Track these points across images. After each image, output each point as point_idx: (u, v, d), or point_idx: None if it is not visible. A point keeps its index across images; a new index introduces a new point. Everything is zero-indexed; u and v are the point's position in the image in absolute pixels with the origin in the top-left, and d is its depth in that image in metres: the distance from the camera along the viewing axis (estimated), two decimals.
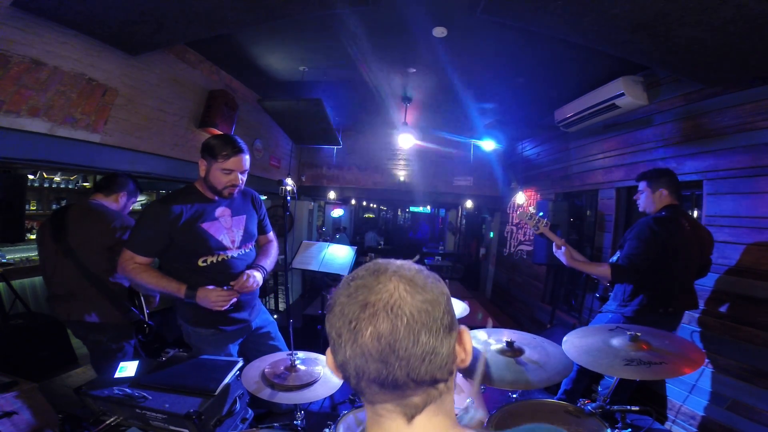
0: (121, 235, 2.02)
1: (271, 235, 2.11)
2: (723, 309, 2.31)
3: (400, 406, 0.54)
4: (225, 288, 1.70)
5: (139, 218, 1.75)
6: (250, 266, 1.86)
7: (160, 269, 1.74)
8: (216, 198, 1.78)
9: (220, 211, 1.79)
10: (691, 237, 2.08)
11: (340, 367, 0.55)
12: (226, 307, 1.68)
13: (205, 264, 1.72)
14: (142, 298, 2.17)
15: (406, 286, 0.53)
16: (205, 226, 1.72)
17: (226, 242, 1.78)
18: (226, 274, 1.76)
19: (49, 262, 2.09)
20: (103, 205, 2.14)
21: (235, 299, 1.72)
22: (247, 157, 1.75)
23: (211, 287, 1.66)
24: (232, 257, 1.80)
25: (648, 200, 2.22)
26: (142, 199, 5.48)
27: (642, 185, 2.24)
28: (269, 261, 1.96)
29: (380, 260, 0.59)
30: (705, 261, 2.20)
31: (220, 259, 1.76)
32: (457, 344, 0.56)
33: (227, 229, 1.79)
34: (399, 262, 0.59)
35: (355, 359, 0.52)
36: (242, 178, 1.76)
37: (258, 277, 1.81)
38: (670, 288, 2.08)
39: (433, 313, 0.52)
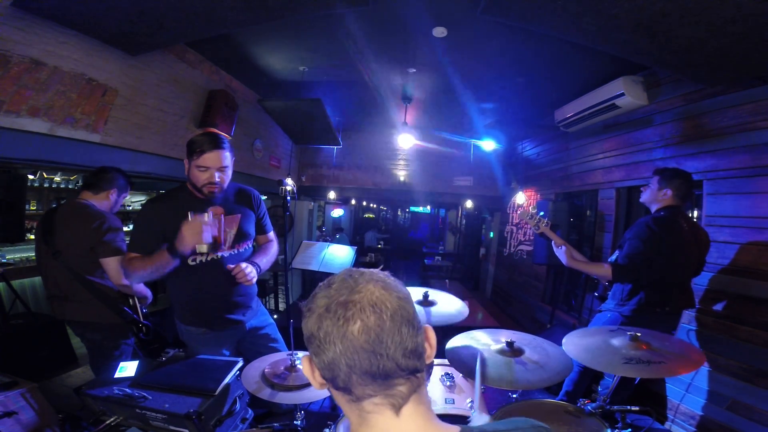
0: (102, 236, 1.96)
1: (272, 234, 2.06)
2: (723, 309, 2.31)
3: (388, 398, 0.57)
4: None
5: (135, 218, 1.74)
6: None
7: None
8: (207, 197, 1.73)
9: (211, 209, 1.74)
10: (689, 237, 2.08)
11: (328, 367, 0.57)
12: (205, 240, 1.54)
13: (195, 263, 1.70)
14: (135, 298, 2.16)
15: (382, 288, 0.58)
16: None
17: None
18: (217, 273, 1.72)
19: (42, 262, 2.09)
20: (88, 204, 2.07)
21: (209, 227, 1.55)
22: (226, 153, 1.67)
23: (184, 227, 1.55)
24: (223, 257, 1.75)
25: (652, 195, 2.22)
26: (141, 199, 5.48)
27: (654, 179, 2.22)
28: (265, 259, 1.89)
29: (351, 268, 0.64)
30: (701, 261, 2.21)
31: (209, 258, 1.72)
32: (425, 341, 0.62)
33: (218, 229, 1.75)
34: (367, 270, 0.64)
35: (346, 353, 0.54)
36: (221, 176, 1.67)
37: (252, 269, 1.73)
38: (668, 288, 2.09)
39: (408, 309, 0.59)
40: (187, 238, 1.53)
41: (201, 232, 1.53)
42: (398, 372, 0.55)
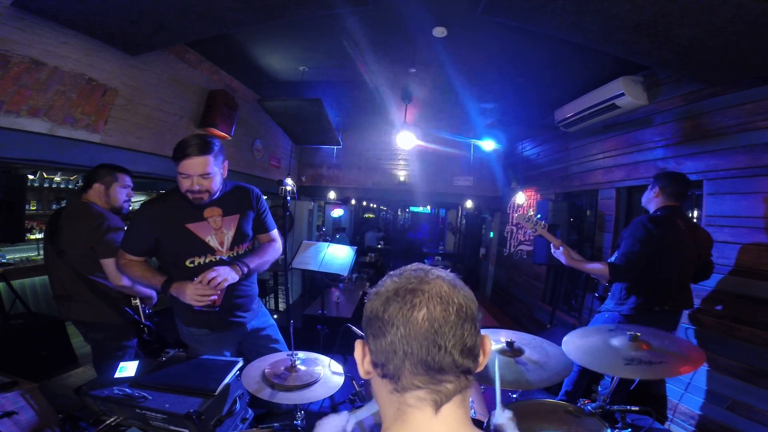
0: (103, 236, 1.96)
1: (274, 233, 1.98)
2: (723, 309, 2.31)
3: (432, 393, 0.56)
4: (203, 284, 1.55)
5: (131, 217, 1.75)
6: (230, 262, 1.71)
7: (159, 269, 1.74)
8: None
9: (209, 210, 1.71)
10: (686, 237, 2.09)
11: (384, 351, 0.57)
12: (204, 305, 1.55)
13: (192, 265, 1.68)
14: (138, 299, 2.16)
15: (449, 284, 0.60)
16: (190, 226, 1.67)
17: (214, 244, 1.70)
18: None
19: (48, 262, 2.11)
20: (88, 204, 2.07)
21: (215, 296, 1.55)
22: (203, 159, 1.56)
23: (189, 282, 1.55)
24: (221, 260, 1.71)
25: (646, 196, 2.28)
26: (141, 199, 5.48)
27: (651, 181, 2.30)
28: (259, 260, 1.79)
29: (421, 264, 0.66)
30: (704, 261, 2.20)
31: (207, 260, 1.70)
32: (482, 346, 0.62)
33: (216, 230, 1.71)
34: (436, 267, 0.65)
35: (406, 338, 0.55)
36: (204, 184, 1.60)
37: (228, 273, 1.59)
38: (665, 287, 2.09)
39: (473, 308, 0.60)
40: (186, 297, 1.55)
41: (203, 299, 1.54)
42: (452, 368, 0.56)
